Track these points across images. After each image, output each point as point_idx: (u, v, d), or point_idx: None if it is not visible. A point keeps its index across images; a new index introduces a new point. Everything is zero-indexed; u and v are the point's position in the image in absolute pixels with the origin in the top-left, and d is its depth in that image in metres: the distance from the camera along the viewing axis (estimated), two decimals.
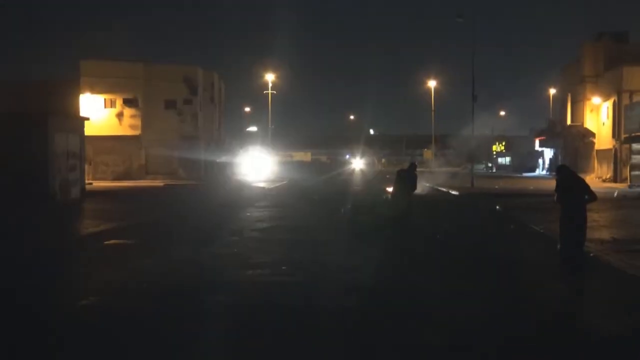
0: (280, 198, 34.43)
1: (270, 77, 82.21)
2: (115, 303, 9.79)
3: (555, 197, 11.82)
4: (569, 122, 65.09)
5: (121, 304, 9.72)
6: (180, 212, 25.58)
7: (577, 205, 11.44)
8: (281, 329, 8.34)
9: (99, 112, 59.49)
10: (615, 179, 50.04)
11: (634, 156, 45.94)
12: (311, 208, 27.19)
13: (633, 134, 46.53)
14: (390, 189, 18.59)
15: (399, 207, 17.87)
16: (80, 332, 8.25)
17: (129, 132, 60.94)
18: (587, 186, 11.61)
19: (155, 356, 7.37)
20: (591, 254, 13.80)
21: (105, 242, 16.66)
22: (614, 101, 52.37)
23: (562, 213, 11.58)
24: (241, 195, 36.24)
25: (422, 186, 21.67)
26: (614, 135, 52.22)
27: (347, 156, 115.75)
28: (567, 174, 11.92)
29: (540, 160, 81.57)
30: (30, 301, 9.92)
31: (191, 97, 63.09)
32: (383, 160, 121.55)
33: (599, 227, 19.22)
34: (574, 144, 63.62)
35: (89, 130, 40.12)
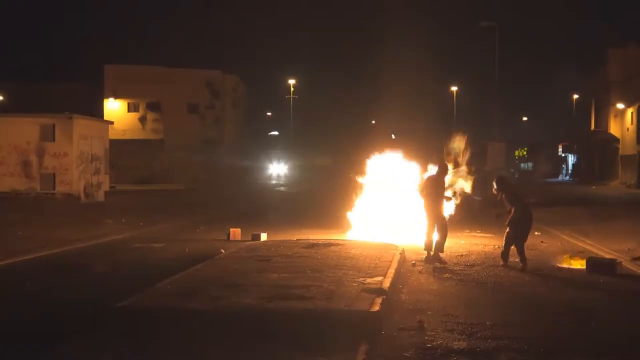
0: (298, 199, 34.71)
1: (291, 82, 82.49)
2: None
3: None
4: (592, 127, 64.75)
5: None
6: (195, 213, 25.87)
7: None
8: None
9: (122, 116, 60.07)
10: (638, 185, 49.69)
11: None
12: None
13: None
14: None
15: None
16: None
17: (151, 136, 61.48)
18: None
19: None
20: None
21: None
22: (639, 107, 52.08)
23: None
24: (262, 200, 36.50)
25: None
26: (638, 141, 51.89)
27: None
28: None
29: (564, 166, 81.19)
30: None
31: (213, 101, 63.50)
32: None
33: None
34: (598, 149, 63.25)
35: (113, 134, 40.56)
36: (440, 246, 14.55)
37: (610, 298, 11.05)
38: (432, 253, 14.49)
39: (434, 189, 14.82)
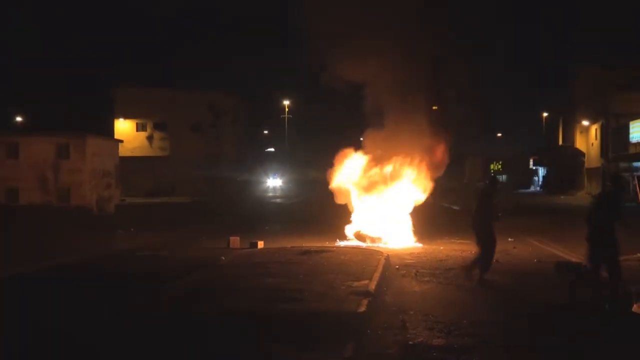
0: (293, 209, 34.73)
1: (286, 102, 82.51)
2: None
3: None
4: (560, 142, 65.09)
5: None
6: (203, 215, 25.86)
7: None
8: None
9: (131, 135, 60.09)
10: None
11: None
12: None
13: (619, 154, 46.56)
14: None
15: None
16: None
17: (158, 153, 61.51)
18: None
19: None
20: None
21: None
22: (602, 124, 52.39)
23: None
24: (261, 209, 36.48)
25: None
26: (602, 155, 52.17)
27: None
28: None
29: (535, 178, 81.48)
30: None
31: (215, 120, 63.58)
32: None
33: None
34: (566, 162, 63.59)
35: (122, 151, 40.55)
36: (486, 265, 12.54)
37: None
38: (474, 271, 12.44)
39: (483, 205, 12.68)
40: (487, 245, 12.55)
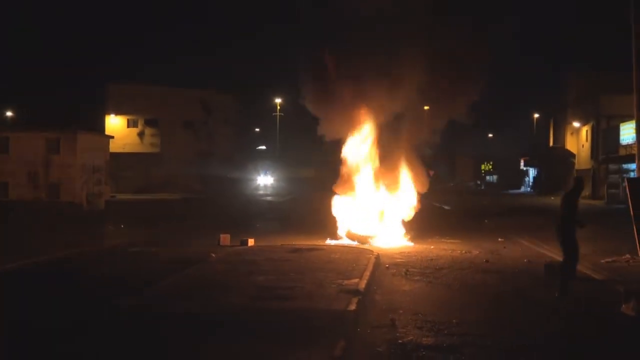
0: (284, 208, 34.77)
1: (278, 101, 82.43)
2: None
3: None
4: (551, 143, 65.32)
5: None
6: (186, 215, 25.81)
7: None
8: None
9: (122, 131, 59.92)
10: (593, 196, 50.11)
11: (610, 176, 46.14)
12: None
13: (610, 156, 46.74)
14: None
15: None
16: None
17: (149, 149, 61.31)
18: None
19: None
20: None
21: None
22: (593, 125, 52.58)
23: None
24: (250, 208, 36.47)
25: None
26: (592, 157, 52.37)
27: None
28: None
29: (526, 179, 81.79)
30: None
31: (207, 118, 63.48)
32: None
33: None
34: (556, 164, 63.83)
35: (113, 147, 40.41)
36: (572, 272, 11.59)
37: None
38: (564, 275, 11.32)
39: (568, 209, 11.69)
40: (570, 251, 11.57)
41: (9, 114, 60.80)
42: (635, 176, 16.59)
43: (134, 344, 7.62)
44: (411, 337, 8.25)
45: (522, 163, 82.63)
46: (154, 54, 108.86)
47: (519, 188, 79.83)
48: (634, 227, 14.98)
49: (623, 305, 9.72)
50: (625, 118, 45.49)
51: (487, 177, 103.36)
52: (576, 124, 57.07)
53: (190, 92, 62.27)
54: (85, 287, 11.66)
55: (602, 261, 15.03)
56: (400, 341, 8.09)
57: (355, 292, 10.17)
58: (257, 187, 73.11)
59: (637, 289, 10.48)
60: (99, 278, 12.72)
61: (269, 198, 51.02)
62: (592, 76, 55.79)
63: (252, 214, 31.55)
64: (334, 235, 19.27)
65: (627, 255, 15.35)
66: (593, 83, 53.89)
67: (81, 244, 18.05)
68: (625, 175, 44.01)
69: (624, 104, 49.30)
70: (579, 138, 57.51)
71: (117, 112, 61.34)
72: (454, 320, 9.12)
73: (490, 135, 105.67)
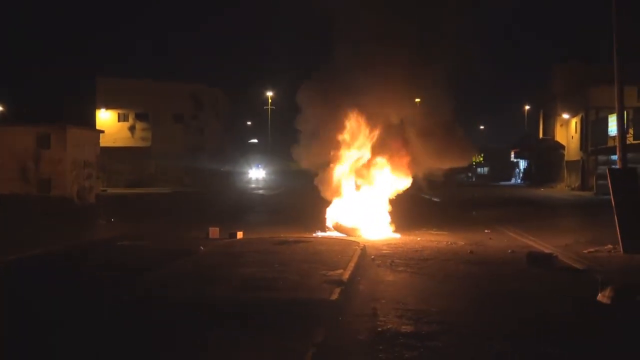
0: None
1: (269, 94, 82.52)
2: None
3: None
4: (541, 135, 65.67)
5: None
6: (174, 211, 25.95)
7: None
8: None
9: (113, 126, 59.94)
10: (582, 187, 50.50)
11: (599, 167, 46.50)
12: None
13: (598, 147, 47.09)
14: None
15: None
16: None
17: (140, 143, 61.37)
18: None
19: None
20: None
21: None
22: (582, 117, 52.91)
23: None
24: (241, 201, 36.62)
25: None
26: (581, 148, 52.73)
27: None
28: None
29: (516, 170, 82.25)
30: None
31: (197, 112, 63.55)
32: None
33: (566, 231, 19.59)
34: (546, 155, 64.23)
35: (104, 141, 40.47)
36: None
37: (542, 288, 11.34)
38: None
39: None
40: None
41: None
42: (617, 167, 16.81)
43: (117, 333, 7.82)
44: (391, 326, 8.47)
45: (512, 155, 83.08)
46: (145, 46, 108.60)
47: (510, 180, 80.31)
48: (615, 218, 15.25)
49: (599, 294, 9.97)
50: (614, 110, 45.77)
51: (478, 169, 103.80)
52: (565, 116, 57.39)
53: (180, 86, 62.35)
54: (70, 281, 11.83)
55: (585, 251, 15.27)
56: (380, 329, 8.30)
57: (339, 282, 10.38)
58: (249, 181, 73.27)
59: (614, 278, 10.74)
60: (87, 272, 12.88)
61: (260, 191, 51.18)
62: (581, 68, 56.09)
63: (242, 207, 31.74)
64: (323, 228, 19.48)
65: (610, 246, 15.62)
66: (582, 75, 54.17)
67: (72, 238, 18.20)
68: (614, 166, 44.46)
69: (612, 95, 49.67)
70: (568, 130, 57.85)
71: (108, 107, 61.37)
72: (434, 309, 9.36)
73: (482, 127, 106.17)
